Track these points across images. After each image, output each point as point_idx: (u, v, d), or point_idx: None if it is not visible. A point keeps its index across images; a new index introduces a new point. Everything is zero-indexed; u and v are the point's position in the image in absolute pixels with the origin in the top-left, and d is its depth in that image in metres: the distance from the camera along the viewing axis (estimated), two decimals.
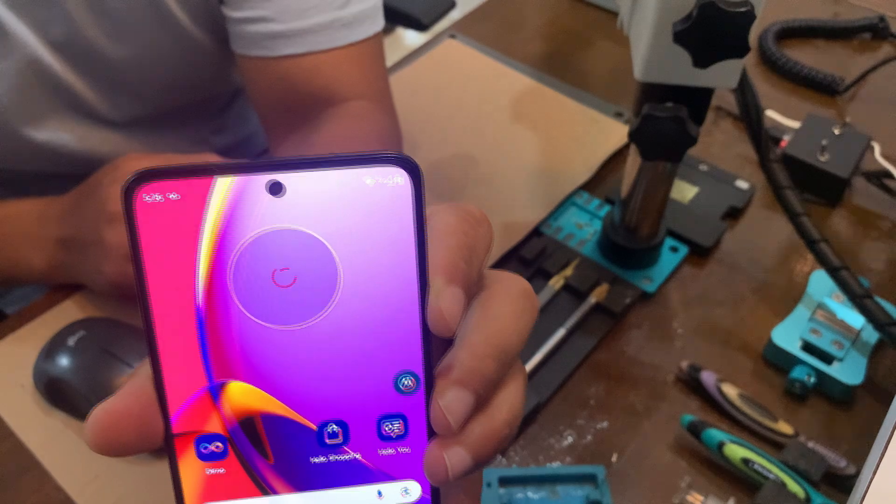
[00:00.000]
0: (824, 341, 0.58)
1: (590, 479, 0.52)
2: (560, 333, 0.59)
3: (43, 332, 0.57)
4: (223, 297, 0.24)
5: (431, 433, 0.25)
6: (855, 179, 0.73)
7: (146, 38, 0.62)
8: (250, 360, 0.24)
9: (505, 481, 0.52)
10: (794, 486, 0.50)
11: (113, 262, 0.54)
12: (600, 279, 0.63)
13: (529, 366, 0.58)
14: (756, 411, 0.55)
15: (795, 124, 0.76)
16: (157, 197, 0.23)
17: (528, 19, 0.93)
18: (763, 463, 0.51)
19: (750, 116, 0.55)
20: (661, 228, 0.64)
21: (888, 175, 0.72)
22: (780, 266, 0.67)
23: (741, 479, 0.53)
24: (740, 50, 0.45)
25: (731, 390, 0.56)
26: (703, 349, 0.60)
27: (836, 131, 0.72)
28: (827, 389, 0.57)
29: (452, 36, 0.88)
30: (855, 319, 0.59)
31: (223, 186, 0.23)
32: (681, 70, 0.48)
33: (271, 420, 0.25)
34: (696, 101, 0.52)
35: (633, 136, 0.54)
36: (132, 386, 0.24)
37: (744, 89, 0.54)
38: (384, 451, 0.25)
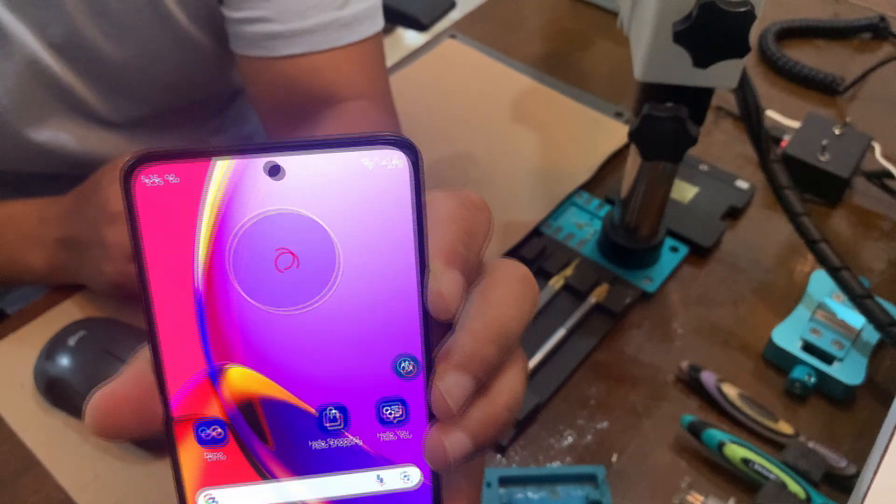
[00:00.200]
0: (824, 341, 0.58)
1: (590, 479, 0.52)
2: (560, 333, 0.59)
3: (43, 332, 0.57)
4: (222, 280, 0.24)
5: (432, 418, 0.24)
6: (855, 179, 0.73)
7: (146, 38, 0.62)
8: (250, 344, 0.24)
9: (505, 481, 0.52)
10: (794, 486, 0.50)
11: (113, 262, 0.54)
12: (600, 279, 0.63)
13: (529, 366, 0.58)
14: (756, 411, 0.55)
15: (796, 124, 0.76)
16: (157, 179, 0.23)
17: (527, 19, 0.93)
18: (763, 463, 0.51)
19: (750, 116, 0.55)
20: (662, 228, 0.64)
21: (889, 175, 0.72)
22: (781, 266, 0.67)
23: (741, 480, 0.53)
24: (740, 50, 0.45)
25: (731, 390, 0.56)
26: (703, 349, 0.60)
27: (837, 131, 0.72)
28: (827, 389, 0.57)
29: (452, 36, 0.88)
30: (855, 319, 0.59)
31: (222, 169, 0.23)
32: (681, 70, 0.48)
33: (271, 404, 0.24)
34: (697, 101, 0.52)
35: (633, 136, 0.54)
36: (132, 370, 0.24)
37: (744, 89, 0.54)
38: (384, 436, 0.25)
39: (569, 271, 0.63)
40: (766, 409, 0.55)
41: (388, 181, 0.24)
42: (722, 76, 0.49)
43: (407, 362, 0.25)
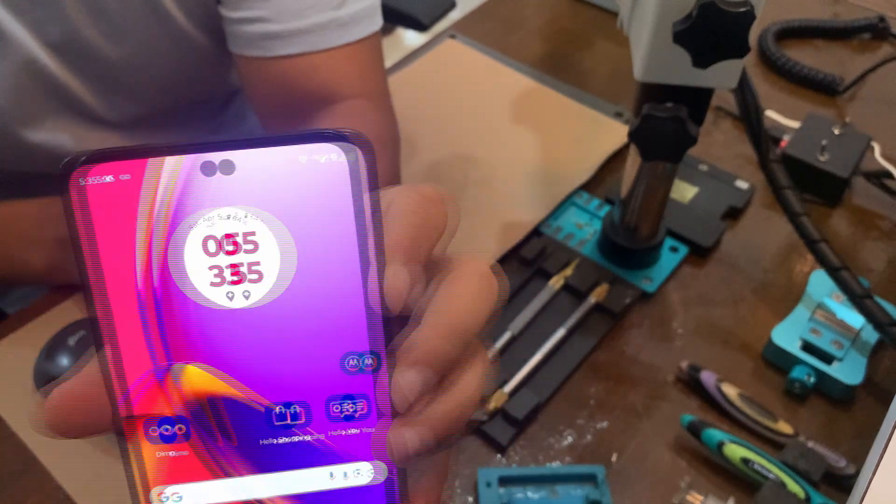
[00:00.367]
0: (824, 341, 0.58)
1: (590, 478, 0.52)
2: (560, 333, 0.59)
3: (43, 332, 0.57)
4: (170, 278, 0.24)
5: (392, 412, 0.25)
6: (855, 179, 0.73)
7: (144, 38, 0.62)
8: (200, 342, 0.24)
9: (505, 481, 0.52)
10: (793, 485, 0.50)
11: None
12: (600, 279, 0.63)
13: (529, 366, 0.58)
14: (756, 411, 0.55)
15: (795, 124, 0.76)
16: (98, 179, 0.23)
17: (527, 19, 0.93)
18: (763, 463, 0.51)
19: (750, 116, 0.55)
20: (661, 228, 0.64)
21: (888, 175, 0.72)
22: (780, 266, 0.67)
23: (741, 479, 0.53)
24: (740, 50, 0.45)
25: (730, 390, 0.56)
26: (702, 349, 0.60)
27: (836, 131, 0.72)
28: (827, 389, 0.57)
29: (452, 36, 0.88)
30: (855, 319, 0.59)
31: (164, 166, 0.23)
32: (681, 70, 0.48)
33: (224, 401, 0.24)
34: (696, 101, 0.52)
35: (633, 136, 0.54)
36: (85, 369, 0.24)
37: (743, 89, 0.54)
38: (337, 432, 0.25)
39: (568, 271, 0.64)
40: (766, 408, 0.55)
41: (327, 177, 0.24)
42: (722, 76, 0.49)
43: (354, 359, 0.25)
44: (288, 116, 0.64)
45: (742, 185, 0.72)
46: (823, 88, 0.82)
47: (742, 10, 0.43)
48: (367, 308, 0.24)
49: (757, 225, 0.70)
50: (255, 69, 0.63)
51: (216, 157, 0.23)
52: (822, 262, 0.55)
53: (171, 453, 0.24)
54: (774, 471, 0.51)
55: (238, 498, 0.25)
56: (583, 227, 0.68)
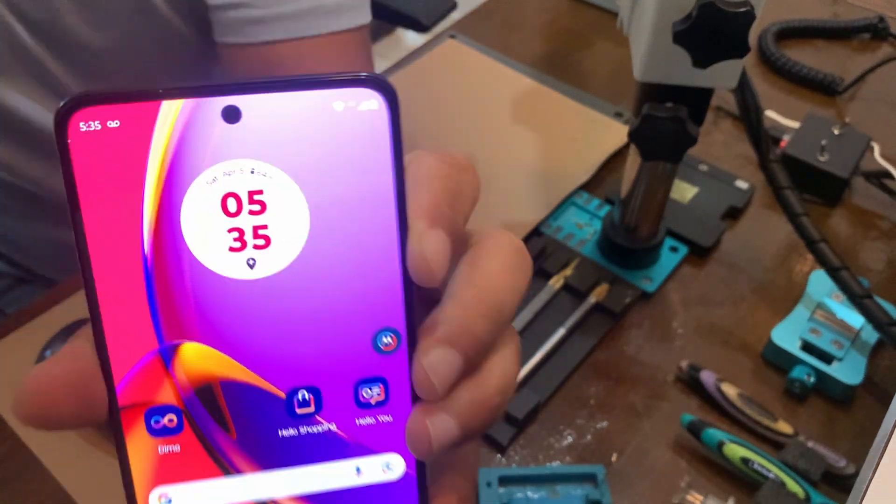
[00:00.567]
0: (824, 341, 0.58)
1: (590, 478, 0.52)
2: (560, 333, 0.59)
3: (43, 332, 0.57)
4: (174, 243, 0.21)
5: (415, 399, 0.22)
6: (854, 179, 0.73)
7: (126, 27, 0.61)
8: (207, 317, 0.21)
9: (505, 481, 0.52)
10: (793, 485, 0.50)
11: None
12: (600, 279, 0.63)
13: (529, 366, 0.58)
14: (756, 411, 0.55)
15: (795, 124, 0.76)
16: (96, 124, 0.20)
17: (528, 19, 0.93)
18: (763, 462, 0.51)
19: (749, 116, 0.55)
20: (661, 228, 0.64)
21: (888, 175, 0.72)
22: (780, 266, 0.67)
23: (741, 479, 0.53)
24: (740, 50, 0.45)
25: (730, 390, 0.56)
26: (702, 349, 0.60)
27: (836, 131, 0.72)
28: (826, 389, 0.57)
29: (452, 36, 0.88)
30: (854, 319, 0.59)
31: (171, 112, 0.20)
32: (680, 70, 0.48)
33: (233, 387, 0.21)
34: (696, 101, 0.52)
35: (633, 136, 0.54)
36: (70, 348, 0.21)
37: (743, 89, 0.54)
38: (362, 421, 0.22)
39: (568, 271, 0.64)
40: (766, 408, 0.55)
41: (363, 126, 0.21)
42: (721, 76, 0.49)
43: (388, 336, 0.22)
44: None
45: (742, 185, 0.72)
46: (823, 88, 0.82)
47: (742, 10, 0.43)
48: (404, 279, 0.21)
49: (757, 225, 0.70)
50: (236, 57, 0.61)
51: (235, 101, 0.20)
52: (822, 262, 0.55)
53: (176, 447, 0.21)
54: (774, 470, 0.51)
55: (251, 498, 0.22)
56: (583, 227, 0.68)
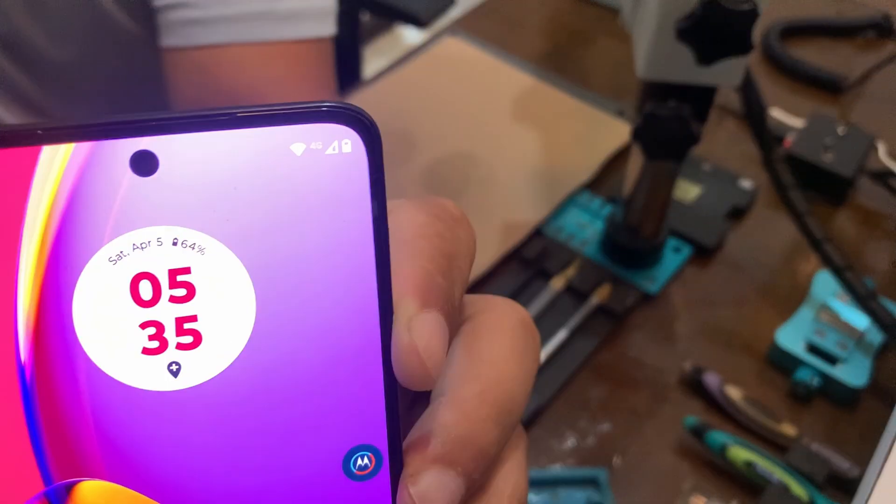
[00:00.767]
0: (829, 342, 0.57)
1: (591, 481, 0.52)
2: (561, 335, 0.59)
3: None
4: (64, 346, 0.15)
5: None
6: (859, 179, 0.72)
7: (85, 39, 0.58)
8: (114, 446, 0.16)
9: None
10: (797, 488, 0.50)
11: None
12: (602, 280, 0.63)
13: None
14: (760, 413, 0.54)
15: (799, 123, 0.75)
16: None
17: (529, 17, 0.92)
18: (766, 465, 0.51)
19: (753, 115, 0.54)
20: (664, 228, 0.63)
21: (893, 174, 0.72)
22: (784, 266, 0.66)
23: (744, 482, 0.52)
24: (744, 48, 0.44)
25: (734, 392, 0.55)
26: (706, 350, 0.60)
27: (840, 131, 0.72)
28: (831, 391, 0.56)
29: (453, 33, 0.87)
30: (859, 320, 0.58)
31: (56, 161, 0.15)
32: (684, 68, 0.48)
33: None
34: (700, 99, 0.51)
35: (636, 134, 0.53)
36: None
37: (747, 87, 0.53)
38: None
39: (570, 272, 0.63)
40: (770, 410, 0.55)
41: (331, 175, 0.16)
42: (725, 74, 0.49)
43: (365, 456, 0.16)
44: None
45: (746, 184, 0.71)
46: (828, 87, 0.82)
47: (746, 7, 0.42)
48: (387, 379, 0.16)
49: (761, 225, 0.69)
50: (175, 62, 0.56)
51: (155, 144, 0.15)
52: (827, 262, 0.54)
53: None
54: (778, 473, 0.50)
55: None
56: (584, 227, 0.67)
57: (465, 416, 0.17)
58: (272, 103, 0.15)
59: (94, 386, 0.15)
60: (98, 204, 0.15)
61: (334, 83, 0.60)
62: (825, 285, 0.61)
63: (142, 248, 0.15)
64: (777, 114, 0.77)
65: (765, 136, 0.55)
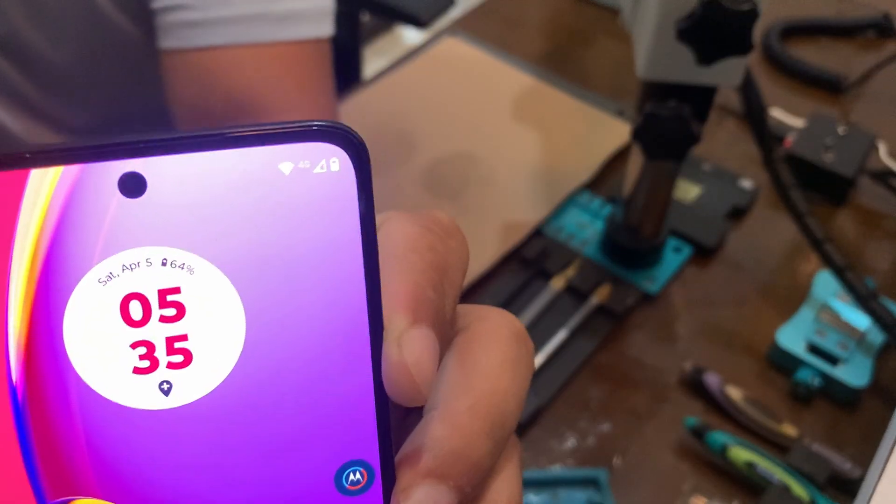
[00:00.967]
0: (829, 342, 0.57)
1: (591, 482, 0.52)
2: (561, 335, 0.59)
3: None
4: (55, 366, 0.15)
5: None
6: (860, 179, 0.72)
7: (85, 41, 0.58)
8: (106, 465, 0.16)
9: None
10: (798, 489, 0.50)
11: None
12: (602, 280, 0.62)
13: None
14: (760, 414, 0.54)
15: (799, 122, 0.75)
16: None
17: (529, 17, 0.92)
18: (767, 466, 0.51)
19: (754, 115, 0.54)
20: (664, 228, 0.63)
21: (893, 174, 0.72)
22: (785, 266, 0.66)
23: (745, 482, 0.52)
24: (744, 47, 0.44)
25: (735, 392, 0.55)
26: (706, 351, 0.60)
27: (841, 130, 0.72)
28: (832, 391, 0.56)
29: (453, 34, 0.87)
30: (860, 320, 0.58)
31: (44, 183, 0.15)
32: (684, 68, 0.48)
33: None
34: (700, 99, 0.51)
35: (636, 134, 0.53)
36: None
37: (747, 87, 0.53)
38: None
39: (570, 272, 0.63)
40: (770, 411, 0.55)
41: (320, 194, 0.16)
42: (725, 74, 0.49)
43: (357, 471, 0.17)
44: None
45: (746, 184, 0.71)
46: (828, 87, 0.82)
47: (746, 7, 0.42)
48: (378, 395, 0.16)
49: (761, 225, 0.69)
50: (174, 64, 0.56)
51: (144, 166, 0.15)
52: (828, 262, 0.54)
53: None
54: (779, 474, 0.50)
55: None
56: (584, 227, 0.67)
57: (457, 429, 0.17)
58: (259, 123, 0.15)
59: (86, 405, 0.16)
60: (87, 226, 0.15)
61: (333, 84, 0.60)
62: (826, 285, 0.61)
63: (131, 268, 0.15)
64: (777, 114, 0.77)
65: (765, 136, 0.55)
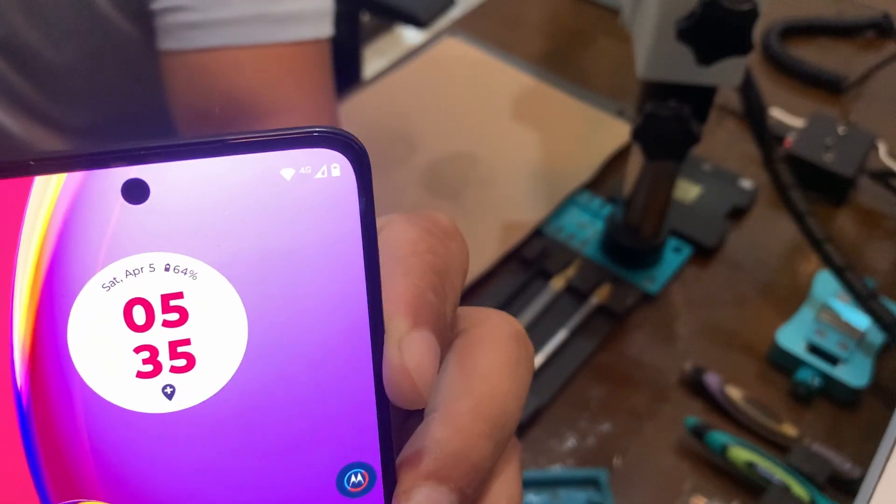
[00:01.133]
0: (829, 342, 0.57)
1: (592, 482, 0.52)
2: (561, 335, 0.59)
3: None
4: (59, 370, 0.16)
5: None
6: (860, 179, 0.72)
7: (83, 41, 0.58)
8: (111, 468, 0.16)
9: None
10: (798, 489, 0.50)
11: None
12: (602, 280, 0.62)
13: None
14: (760, 414, 0.54)
15: (799, 123, 0.75)
16: None
17: (528, 17, 0.92)
18: (767, 466, 0.51)
19: (753, 115, 0.54)
20: (664, 228, 0.63)
21: (893, 174, 0.72)
22: (785, 266, 0.66)
23: (745, 482, 0.52)
24: (744, 47, 0.44)
25: (735, 392, 0.55)
26: (706, 351, 0.60)
27: (841, 131, 0.72)
28: (832, 391, 0.56)
29: (453, 34, 0.87)
30: (860, 320, 0.58)
31: (48, 190, 0.15)
32: (684, 68, 0.48)
33: None
34: (700, 99, 0.51)
35: (636, 134, 0.53)
36: None
37: (747, 87, 0.53)
38: None
39: (570, 272, 0.63)
40: (770, 411, 0.55)
41: (321, 199, 0.16)
42: (725, 74, 0.49)
43: (359, 473, 0.17)
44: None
45: (746, 184, 0.71)
46: (828, 87, 0.82)
47: (746, 7, 0.42)
48: (379, 398, 0.16)
49: (761, 225, 0.69)
50: (174, 66, 0.56)
51: (146, 172, 0.15)
52: (827, 262, 0.54)
53: None
54: (779, 474, 0.50)
55: None
56: (584, 227, 0.67)
57: (458, 431, 0.17)
58: (261, 129, 0.16)
59: (90, 409, 0.16)
60: (91, 232, 0.15)
61: (333, 84, 0.60)
62: (826, 285, 0.61)
63: (135, 274, 0.16)
64: (777, 114, 0.77)
65: (765, 136, 0.55)
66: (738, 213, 0.70)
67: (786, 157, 0.69)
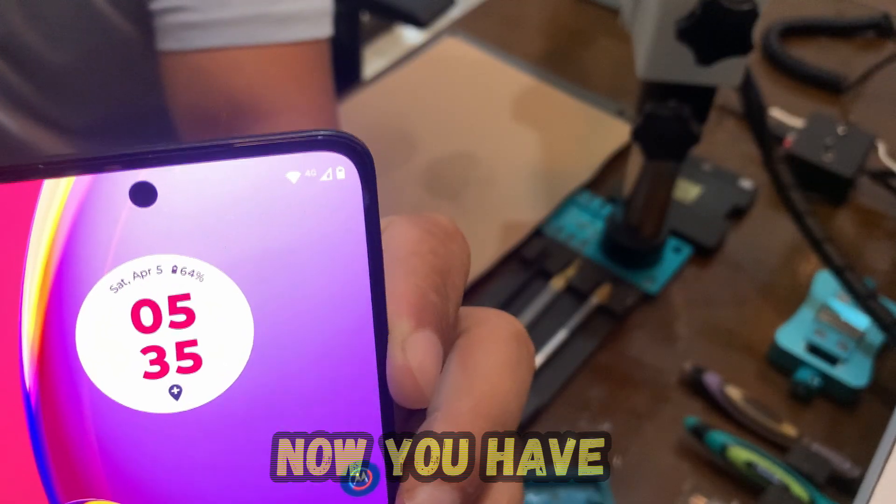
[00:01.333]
0: (829, 342, 0.57)
1: (592, 481, 0.52)
2: (561, 335, 0.59)
3: None
4: (67, 371, 0.16)
5: None
6: (859, 179, 0.72)
7: (83, 42, 0.58)
8: (119, 468, 0.16)
9: None
10: (798, 489, 0.50)
11: None
12: (602, 280, 0.62)
13: None
14: (760, 414, 0.54)
15: (799, 123, 0.75)
16: None
17: (528, 17, 0.92)
18: (767, 466, 0.51)
19: (753, 115, 0.54)
20: (664, 228, 0.63)
21: (893, 174, 0.72)
22: (785, 266, 0.66)
23: (745, 482, 0.52)
24: (743, 48, 0.44)
25: (734, 392, 0.55)
26: (706, 351, 0.60)
27: (840, 131, 0.72)
28: (832, 391, 0.56)
29: (453, 34, 0.87)
30: (860, 320, 0.58)
31: (57, 194, 0.15)
32: (684, 68, 0.48)
33: None
34: (700, 99, 0.51)
35: (636, 134, 0.53)
36: None
37: (747, 87, 0.53)
38: None
39: (570, 272, 0.63)
40: (770, 411, 0.55)
41: (326, 201, 0.16)
42: (725, 74, 0.49)
43: (363, 472, 0.17)
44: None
45: (746, 184, 0.71)
46: (828, 87, 0.82)
47: (745, 7, 0.42)
48: (383, 398, 0.17)
49: (761, 225, 0.69)
50: (173, 66, 0.56)
51: (153, 175, 0.15)
52: (827, 262, 0.54)
53: None
54: (779, 474, 0.50)
55: None
56: (584, 227, 0.67)
57: (459, 430, 0.17)
58: (267, 133, 0.16)
59: (98, 410, 0.16)
60: (99, 234, 0.16)
61: (333, 84, 0.60)
62: (825, 285, 0.61)
63: (142, 275, 0.16)
64: (777, 114, 0.77)
65: (765, 136, 0.55)
66: (737, 213, 0.70)
67: (786, 157, 0.69)
